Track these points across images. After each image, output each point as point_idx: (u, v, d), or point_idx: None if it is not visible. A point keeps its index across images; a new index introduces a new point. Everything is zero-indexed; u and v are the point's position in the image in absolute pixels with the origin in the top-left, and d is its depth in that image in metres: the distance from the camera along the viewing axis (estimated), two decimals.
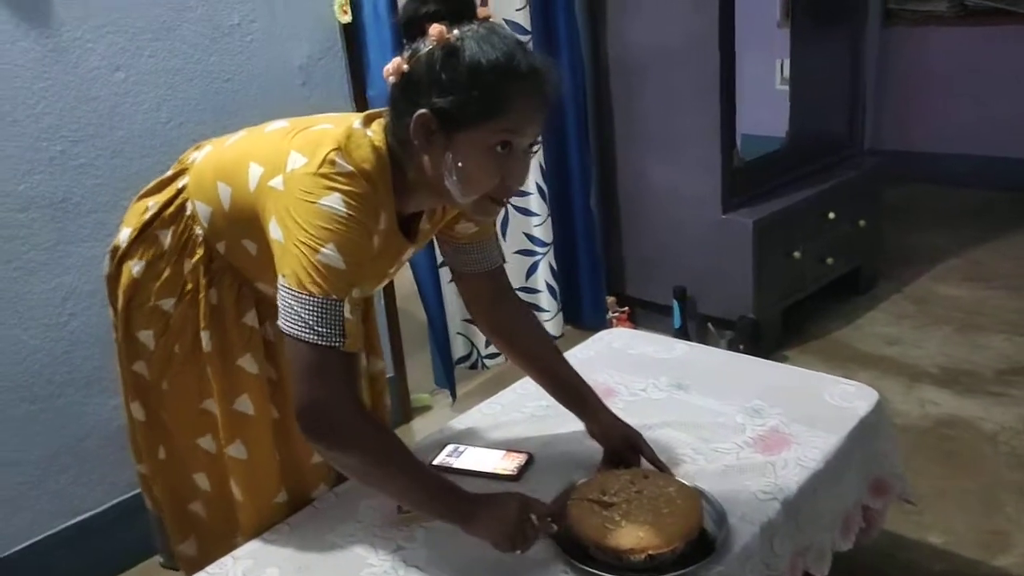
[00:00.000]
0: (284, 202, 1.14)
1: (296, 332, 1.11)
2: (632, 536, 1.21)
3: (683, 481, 1.35)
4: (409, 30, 1.14)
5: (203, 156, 1.34)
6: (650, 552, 1.20)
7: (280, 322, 1.13)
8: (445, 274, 2.56)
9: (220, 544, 1.36)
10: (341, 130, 1.19)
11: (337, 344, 1.11)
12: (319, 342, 1.10)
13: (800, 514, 1.37)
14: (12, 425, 1.86)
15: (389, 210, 1.22)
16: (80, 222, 1.89)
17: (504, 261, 1.48)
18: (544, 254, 2.83)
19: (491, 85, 1.09)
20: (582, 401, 1.48)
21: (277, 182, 1.16)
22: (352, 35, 2.29)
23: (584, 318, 3.03)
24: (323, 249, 1.10)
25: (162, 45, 1.96)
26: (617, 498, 1.27)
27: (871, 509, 1.61)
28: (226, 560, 1.32)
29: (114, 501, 2.02)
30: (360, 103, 2.33)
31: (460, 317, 2.73)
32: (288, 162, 1.16)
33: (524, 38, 2.61)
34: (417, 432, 2.54)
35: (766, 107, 3.08)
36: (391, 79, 1.14)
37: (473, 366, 2.81)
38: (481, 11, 1.14)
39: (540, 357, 1.49)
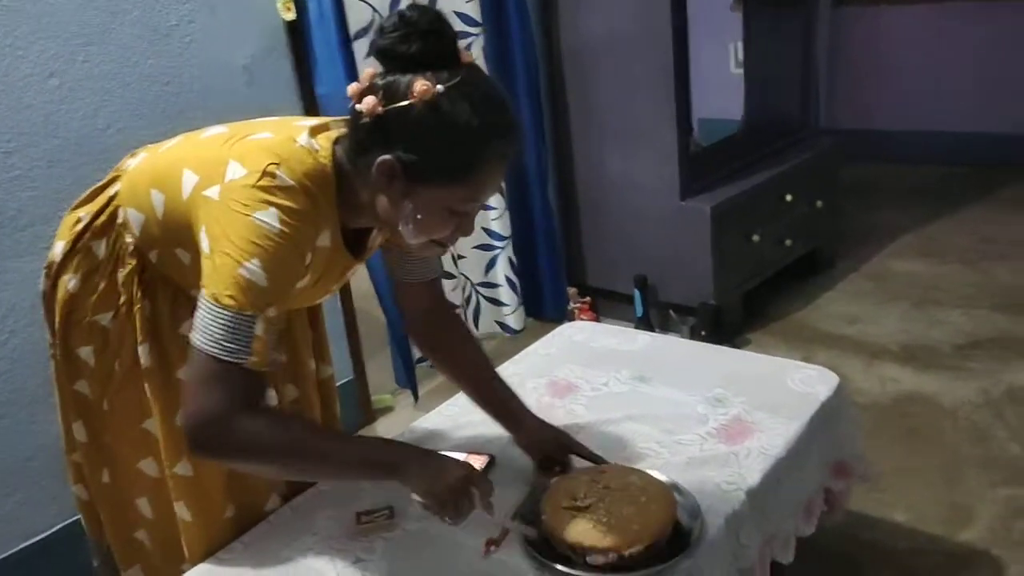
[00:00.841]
0: (216, 213, 1.09)
1: (203, 346, 1.05)
2: (607, 534, 1.19)
3: (657, 476, 1.33)
4: (384, 61, 1.09)
5: (137, 163, 1.29)
6: (625, 550, 1.18)
7: (192, 335, 1.07)
8: None
9: (167, 570, 1.32)
10: (283, 141, 1.14)
11: (241, 361, 1.06)
12: (223, 356, 1.05)
13: (765, 503, 1.36)
14: None
15: (333, 227, 1.18)
16: (17, 236, 1.82)
17: (442, 270, 1.47)
18: (503, 248, 2.80)
19: (464, 152, 1.08)
20: (509, 412, 1.46)
21: (213, 192, 1.11)
22: (297, 32, 2.24)
23: (546, 310, 3.01)
24: (247, 263, 1.06)
25: (97, 50, 1.89)
26: (590, 499, 1.25)
27: (833, 492, 1.61)
28: None
29: (66, 522, 1.95)
30: (309, 102, 2.27)
31: None
32: (227, 172, 1.11)
33: (475, 30, 2.57)
34: (381, 433, 2.51)
35: (722, 91, 3.08)
36: (360, 111, 1.08)
37: (434, 365, 2.77)
38: (464, 56, 1.10)
39: (470, 369, 1.47)
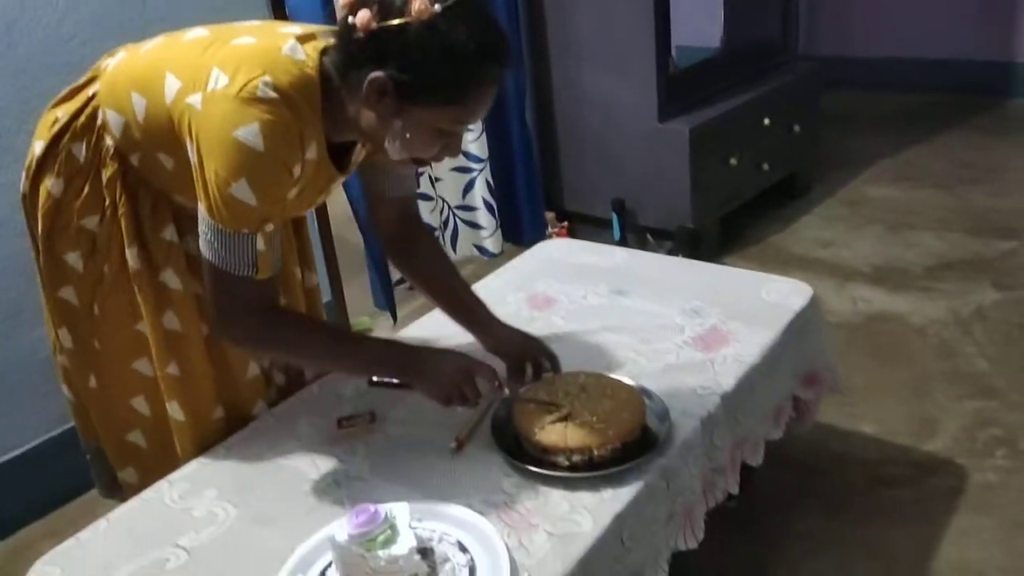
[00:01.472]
0: (201, 126, 1.09)
1: (209, 257, 1.13)
2: (578, 435, 1.21)
3: (626, 380, 1.35)
4: None
5: (116, 62, 1.25)
6: (596, 450, 1.20)
7: (200, 243, 1.13)
8: None
9: (161, 470, 1.33)
10: (268, 49, 1.13)
11: (248, 274, 1.14)
12: (230, 271, 1.13)
13: (738, 407, 1.39)
14: None
15: (318, 139, 1.17)
16: None
17: (418, 188, 1.47)
18: (480, 170, 2.78)
19: (458, 74, 1.08)
20: (478, 319, 1.46)
21: (196, 100, 1.10)
22: None
23: (524, 235, 3.00)
24: (235, 184, 1.08)
25: None
26: (563, 400, 1.27)
27: (803, 400, 1.64)
28: (161, 484, 1.28)
29: (47, 436, 1.96)
30: (278, 13, 2.21)
31: None
32: (209, 80, 1.10)
33: None
34: None
35: (701, 17, 3.03)
36: (353, 24, 1.06)
37: (412, 287, 2.77)
38: None
39: (439, 279, 1.48)
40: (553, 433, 1.22)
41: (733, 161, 2.86)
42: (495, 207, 2.85)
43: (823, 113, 3.37)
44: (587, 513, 1.14)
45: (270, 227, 1.14)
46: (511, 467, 1.23)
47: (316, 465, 1.29)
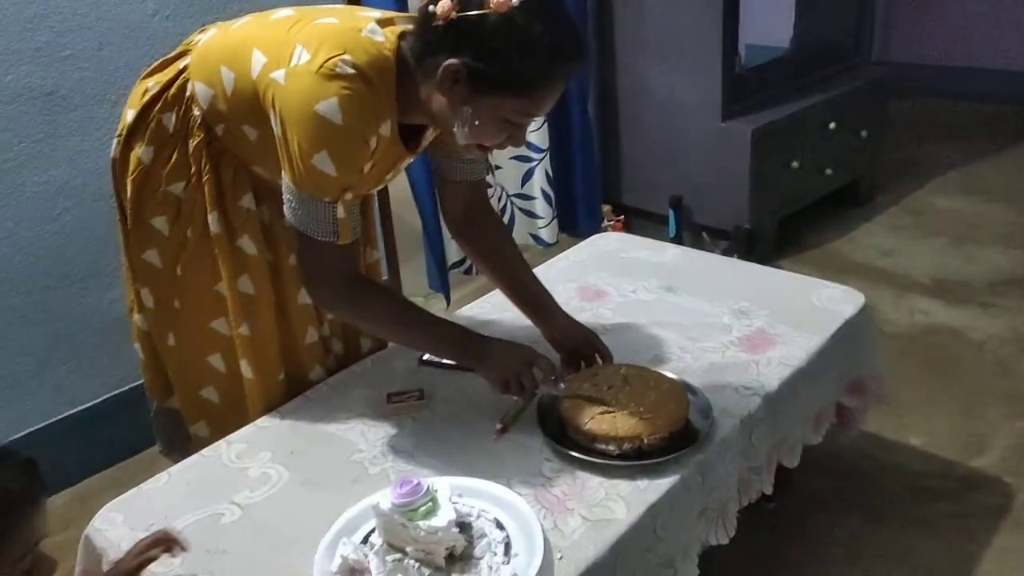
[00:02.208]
0: (284, 99, 1.15)
1: (293, 223, 1.20)
2: (628, 424, 1.24)
3: (669, 375, 1.37)
4: None
5: (207, 38, 1.32)
6: (645, 438, 1.23)
7: (286, 210, 1.21)
8: None
9: (231, 425, 1.40)
10: (349, 30, 1.18)
11: (330, 240, 1.20)
12: (314, 236, 1.20)
13: (779, 410, 1.40)
14: (8, 316, 1.89)
15: (392, 118, 1.23)
16: (70, 115, 1.87)
17: (489, 173, 1.50)
18: (540, 160, 2.80)
19: (531, 68, 1.11)
20: (541, 307, 1.50)
21: (279, 75, 1.16)
22: None
23: (579, 227, 3.02)
24: (316, 155, 1.14)
25: None
26: (608, 390, 1.30)
27: (849, 408, 1.64)
28: (220, 444, 1.35)
29: (112, 393, 2.06)
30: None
31: None
32: (293, 56, 1.16)
33: None
34: None
35: (772, 15, 3.01)
36: (433, 12, 1.10)
37: (467, 271, 2.82)
38: None
39: (505, 264, 1.52)
40: (604, 422, 1.25)
41: (795, 164, 2.84)
42: (552, 197, 2.88)
43: (891, 120, 3.32)
44: (622, 501, 1.17)
45: (349, 196, 1.20)
46: (552, 452, 1.27)
47: (365, 436, 1.35)
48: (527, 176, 2.84)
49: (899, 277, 2.75)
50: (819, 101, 2.90)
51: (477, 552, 1.10)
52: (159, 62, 1.36)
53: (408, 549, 1.08)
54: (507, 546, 1.10)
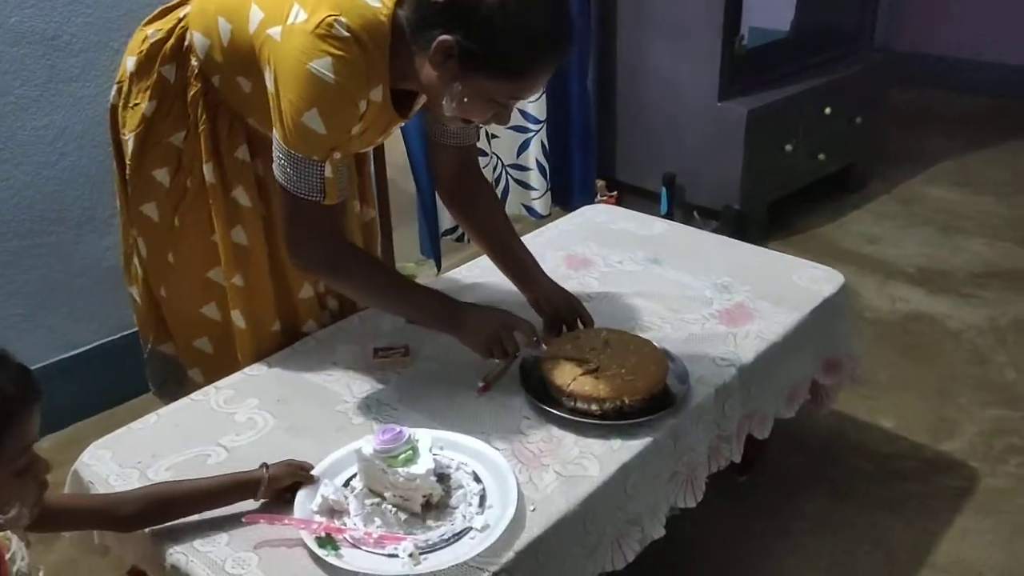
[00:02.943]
0: (278, 55, 1.17)
1: (281, 180, 1.22)
2: (610, 386, 1.28)
3: (649, 340, 1.41)
4: None
5: None
6: (623, 400, 1.28)
7: (274, 167, 1.22)
8: None
9: (225, 372, 1.43)
10: None
11: (316, 199, 1.22)
12: (300, 195, 1.21)
13: (753, 382, 1.45)
14: (3, 258, 1.91)
15: (384, 82, 1.25)
16: (71, 61, 1.88)
17: (477, 140, 1.54)
18: (537, 131, 2.82)
19: (522, 53, 1.14)
20: (526, 273, 1.53)
21: (275, 32, 1.18)
22: None
23: (573, 199, 3.04)
24: (307, 113, 1.16)
25: None
26: (590, 352, 1.34)
27: (822, 385, 1.69)
28: (208, 389, 1.39)
29: (107, 339, 2.09)
30: None
31: None
32: (289, 14, 1.18)
33: None
34: None
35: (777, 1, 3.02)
36: None
37: (459, 239, 2.85)
38: None
39: (493, 229, 1.55)
40: (586, 384, 1.29)
41: (789, 147, 2.86)
42: (547, 169, 2.90)
43: (892, 108, 3.34)
44: (595, 460, 1.22)
45: (337, 155, 1.23)
46: (532, 410, 1.31)
47: (350, 389, 1.39)
48: (523, 147, 2.86)
49: (884, 264, 2.79)
50: (816, 85, 2.92)
51: (453, 502, 1.14)
52: (160, 9, 1.38)
53: (387, 494, 1.12)
54: (482, 498, 1.14)
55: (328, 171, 1.22)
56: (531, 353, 1.37)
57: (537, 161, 2.86)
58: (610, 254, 1.80)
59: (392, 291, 1.35)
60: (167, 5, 1.38)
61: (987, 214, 3.10)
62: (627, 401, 1.29)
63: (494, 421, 1.30)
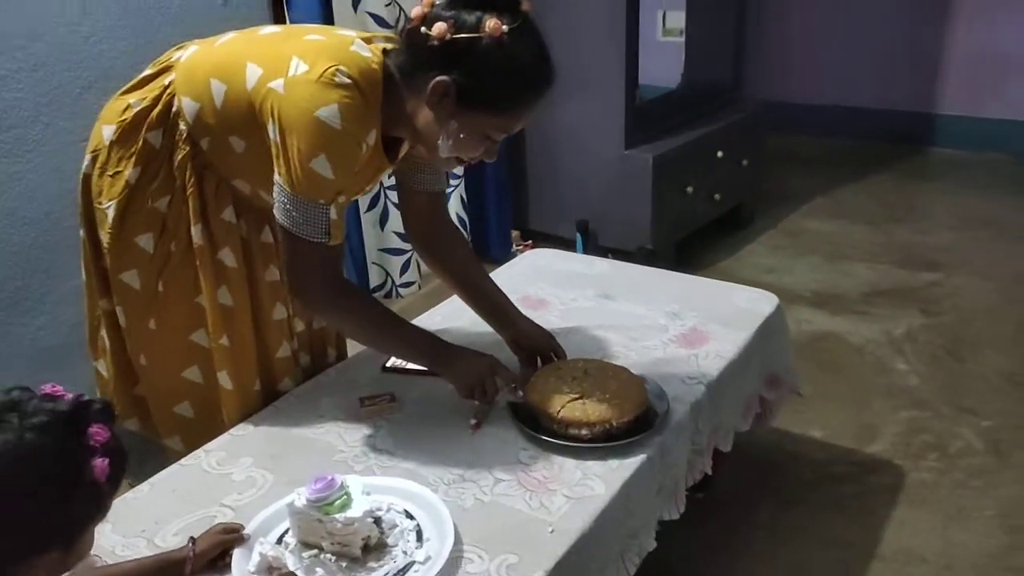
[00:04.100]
0: (284, 106, 1.21)
1: (286, 225, 1.25)
2: (598, 410, 1.36)
3: (624, 367, 1.50)
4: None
5: (190, 54, 1.36)
6: (611, 423, 1.35)
7: (275, 212, 1.25)
8: (363, 204, 2.62)
9: (206, 437, 1.41)
10: (338, 45, 1.26)
11: (321, 241, 1.26)
12: (305, 237, 1.25)
13: (718, 397, 1.56)
14: None
15: (377, 128, 1.31)
16: (1, 137, 1.83)
17: (448, 186, 1.60)
18: (455, 187, 2.92)
19: (515, 88, 1.24)
20: (504, 313, 1.60)
21: (278, 84, 1.22)
22: None
23: (491, 251, 3.14)
24: (315, 159, 1.21)
25: None
26: (573, 381, 1.41)
27: (767, 400, 1.82)
28: (198, 453, 1.37)
29: None
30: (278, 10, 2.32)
31: (376, 247, 2.79)
32: (290, 67, 1.22)
33: None
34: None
35: (649, 58, 3.25)
36: (428, 33, 1.18)
37: (388, 295, 2.89)
38: (524, 4, 1.23)
39: (466, 273, 1.61)
40: (575, 410, 1.36)
41: (689, 189, 3.08)
42: (467, 222, 2.99)
43: (769, 152, 3.64)
44: (599, 479, 1.28)
45: (342, 199, 1.27)
46: (527, 440, 1.37)
47: (343, 438, 1.40)
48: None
49: (784, 291, 2.98)
50: (707, 132, 3.17)
51: (391, 541, 1.15)
52: (138, 79, 1.39)
53: (324, 544, 1.12)
54: (419, 533, 1.16)
55: (333, 214, 1.26)
56: (509, 399, 1.42)
57: (458, 215, 2.95)
58: (563, 293, 1.89)
59: (390, 330, 1.39)
60: (145, 75, 1.38)
61: (865, 241, 3.41)
62: (615, 423, 1.36)
63: (494, 455, 1.34)
